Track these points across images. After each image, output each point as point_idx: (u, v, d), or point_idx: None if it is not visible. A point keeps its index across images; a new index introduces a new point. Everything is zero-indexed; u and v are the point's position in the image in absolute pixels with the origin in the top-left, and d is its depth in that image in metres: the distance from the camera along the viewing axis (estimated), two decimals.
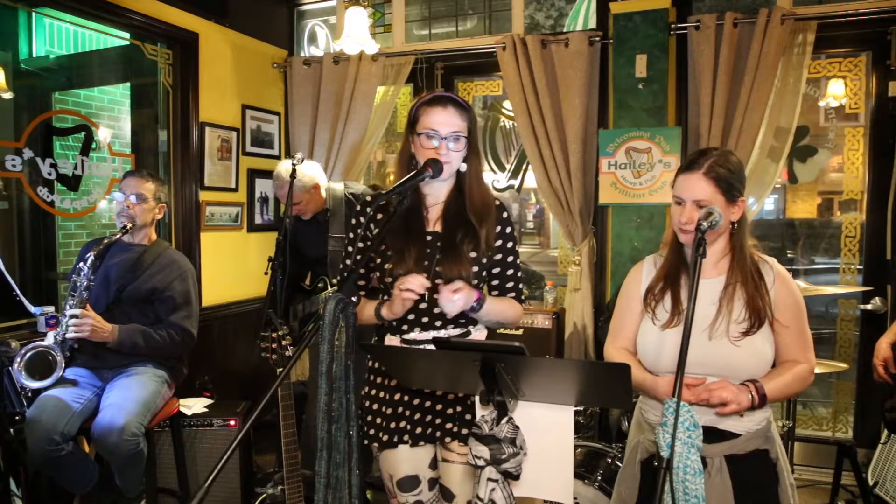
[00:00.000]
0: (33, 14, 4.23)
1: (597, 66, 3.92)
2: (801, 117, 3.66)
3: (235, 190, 4.37)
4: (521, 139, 4.19)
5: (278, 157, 4.72)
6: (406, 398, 1.90)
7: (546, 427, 1.49)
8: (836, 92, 3.90)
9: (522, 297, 2.04)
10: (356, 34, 3.75)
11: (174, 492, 3.10)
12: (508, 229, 1.97)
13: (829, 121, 3.99)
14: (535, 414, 1.48)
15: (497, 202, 1.96)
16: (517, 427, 1.44)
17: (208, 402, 3.46)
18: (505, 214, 1.97)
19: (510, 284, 2.00)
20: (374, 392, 1.97)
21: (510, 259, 1.98)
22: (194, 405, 3.34)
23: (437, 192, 1.94)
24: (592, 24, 4.34)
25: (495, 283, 2.00)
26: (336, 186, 3.57)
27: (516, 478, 1.43)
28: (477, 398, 1.49)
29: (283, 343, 2.25)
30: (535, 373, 1.41)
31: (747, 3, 3.96)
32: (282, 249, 3.05)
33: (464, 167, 1.90)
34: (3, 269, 2.20)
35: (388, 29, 4.72)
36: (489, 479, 1.41)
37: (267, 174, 4.58)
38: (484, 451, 1.41)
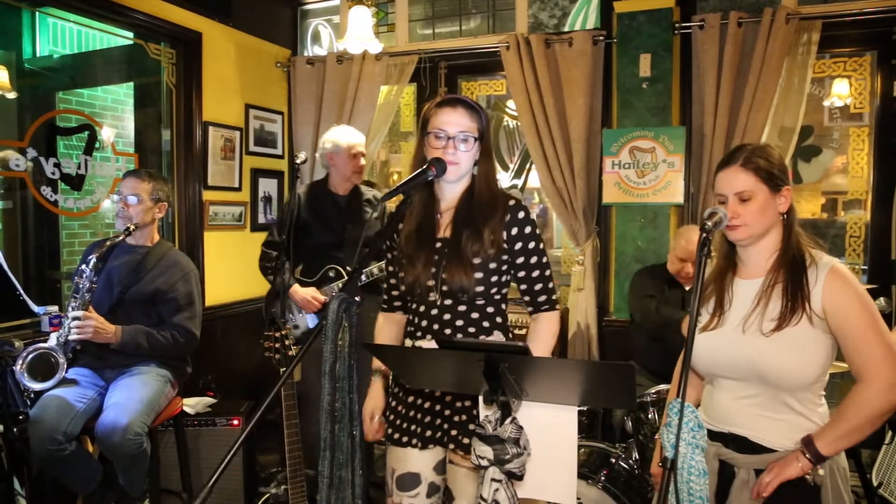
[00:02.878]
0: (37, 14, 4.25)
1: (600, 66, 3.91)
2: (805, 117, 3.64)
3: (239, 189, 4.37)
4: (524, 139, 4.18)
5: (281, 157, 4.72)
6: (419, 401, 1.89)
7: (550, 427, 1.48)
8: (841, 92, 3.89)
9: (556, 303, 1.95)
10: (360, 33, 3.75)
11: (177, 492, 3.10)
12: (528, 229, 1.87)
13: (834, 120, 3.98)
14: (538, 414, 1.48)
15: (512, 201, 1.89)
16: (521, 427, 1.43)
17: (211, 401, 3.46)
18: (521, 214, 1.87)
19: (542, 298, 1.91)
20: (395, 388, 1.97)
21: (534, 260, 1.88)
22: (197, 404, 3.34)
23: (448, 197, 1.92)
24: (593, 23, 4.33)
25: (527, 298, 1.92)
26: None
27: (520, 478, 1.42)
28: (480, 398, 1.48)
29: (287, 343, 2.25)
30: (539, 373, 1.41)
31: (751, 2, 3.94)
32: (284, 250, 2.99)
33: (475, 170, 1.89)
34: (6, 268, 2.20)
35: (392, 28, 4.72)
36: (493, 480, 1.40)
37: (270, 174, 4.59)
38: (487, 451, 1.40)
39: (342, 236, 3.37)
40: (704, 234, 1.56)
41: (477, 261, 1.83)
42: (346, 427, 1.56)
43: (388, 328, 2.06)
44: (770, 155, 1.69)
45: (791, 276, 1.65)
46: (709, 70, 3.63)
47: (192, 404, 3.29)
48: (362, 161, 3.41)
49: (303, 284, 3.35)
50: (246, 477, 3.24)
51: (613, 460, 2.59)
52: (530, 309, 1.95)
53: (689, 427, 1.39)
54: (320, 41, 5.10)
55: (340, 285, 3.31)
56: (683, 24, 3.76)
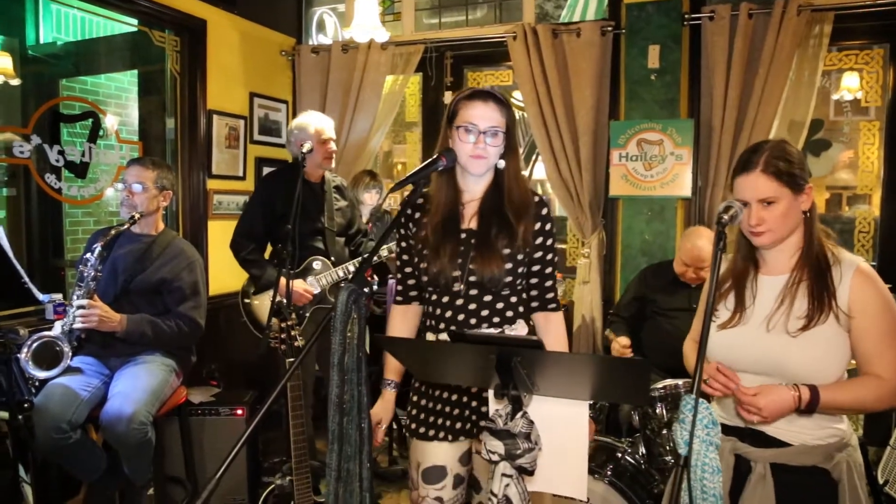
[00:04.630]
0: (40, 0, 4.21)
1: (608, 57, 3.87)
2: (814, 110, 3.61)
3: (243, 178, 4.35)
4: (530, 130, 4.16)
5: (285, 146, 4.70)
6: (445, 394, 1.89)
7: (560, 422, 1.47)
8: (851, 85, 3.85)
9: (560, 303, 1.98)
10: (366, 22, 3.72)
11: (181, 479, 3.10)
12: (548, 226, 1.90)
13: (844, 114, 3.95)
14: (549, 409, 1.46)
15: (537, 198, 1.90)
16: (532, 422, 1.42)
17: (215, 390, 3.45)
18: (545, 211, 1.90)
19: (551, 295, 1.94)
20: (416, 383, 1.96)
21: (549, 257, 1.91)
22: (200, 394, 3.33)
23: (473, 189, 1.90)
24: (594, 12, 4.29)
25: (534, 292, 1.93)
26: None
27: (531, 473, 1.41)
28: (491, 392, 1.47)
29: (292, 333, 2.23)
30: (552, 367, 1.39)
31: None
32: (291, 238, 2.95)
33: (502, 164, 1.87)
34: (11, 255, 2.18)
35: (398, 17, 4.68)
36: (504, 475, 1.39)
37: (274, 162, 4.56)
38: (498, 445, 1.39)
39: (321, 225, 3.35)
40: (720, 229, 1.54)
41: (506, 251, 1.83)
42: (354, 419, 1.54)
43: (404, 321, 2.05)
44: (790, 154, 1.66)
45: (816, 275, 1.63)
46: (718, 62, 3.59)
47: (194, 393, 3.28)
48: (332, 146, 3.36)
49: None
50: (249, 467, 3.25)
51: (620, 455, 2.58)
52: (535, 304, 1.96)
53: (703, 424, 1.37)
54: (325, 30, 5.06)
55: (331, 277, 3.30)
56: (693, 16, 3.72)
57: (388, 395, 2.00)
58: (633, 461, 2.58)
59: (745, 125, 3.55)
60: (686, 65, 3.80)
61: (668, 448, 2.58)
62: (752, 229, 1.66)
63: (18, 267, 2.20)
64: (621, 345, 3.11)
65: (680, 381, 2.64)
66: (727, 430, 1.72)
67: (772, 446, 1.65)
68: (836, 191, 4.27)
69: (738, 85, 3.55)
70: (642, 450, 2.69)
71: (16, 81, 4.13)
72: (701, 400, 1.36)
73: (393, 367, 2.01)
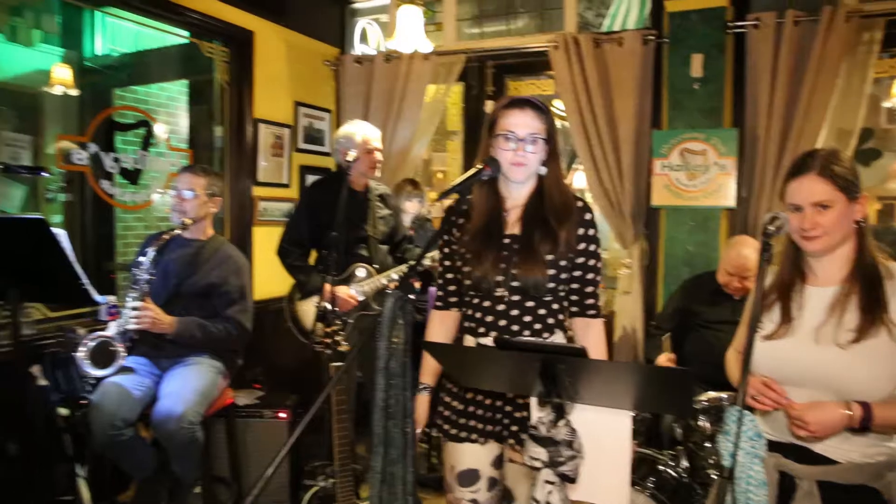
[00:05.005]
0: (98, 13, 4.38)
1: (651, 66, 3.86)
2: (864, 119, 3.53)
3: (287, 186, 4.44)
4: (571, 139, 4.16)
5: (329, 154, 4.78)
6: (479, 397, 1.91)
7: (603, 431, 1.48)
8: None
9: (601, 310, 1.98)
10: (410, 33, 3.78)
11: (226, 479, 3.18)
12: (591, 231, 1.92)
13: (895, 123, 3.86)
14: (592, 417, 1.47)
15: (580, 203, 1.92)
16: (574, 430, 1.43)
17: (258, 393, 3.53)
18: (588, 216, 1.92)
19: (591, 302, 1.94)
20: (448, 385, 1.98)
21: (592, 263, 1.92)
22: (245, 396, 3.41)
23: (515, 196, 1.93)
24: (635, 21, 4.28)
25: (575, 297, 1.94)
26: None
27: (573, 481, 1.42)
28: (534, 399, 1.48)
29: (337, 338, 2.28)
30: (595, 375, 1.40)
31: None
32: (335, 245, 3.01)
33: (543, 170, 1.89)
34: (72, 258, 2.28)
35: (440, 27, 4.73)
36: (546, 482, 1.41)
37: (318, 171, 4.65)
38: (542, 452, 1.41)
39: (365, 233, 3.40)
40: (765, 239, 1.54)
41: (549, 257, 1.85)
42: (399, 423, 1.58)
43: (443, 326, 2.07)
44: (844, 161, 1.64)
45: (868, 287, 1.61)
46: (763, 70, 3.55)
47: (239, 396, 3.36)
48: (378, 156, 3.41)
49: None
50: (292, 470, 3.30)
51: (661, 467, 2.57)
52: (574, 310, 1.96)
53: (748, 436, 1.37)
54: (368, 40, 5.15)
55: (374, 284, 3.35)
56: (737, 24, 3.68)
57: (423, 399, 2.02)
58: (675, 474, 2.57)
59: (791, 134, 3.50)
60: (730, 73, 3.76)
61: (711, 462, 2.55)
62: (804, 234, 1.64)
63: (79, 269, 2.29)
64: (666, 359, 3.09)
65: (724, 394, 2.61)
66: (771, 445, 1.69)
67: (818, 463, 1.61)
68: (888, 201, 4.17)
69: (784, 93, 3.50)
70: (685, 463, 2.67)
71: (74, 92, 4.30)
72: (745, 412, 1.36)
73: (428, 371, 2.03)
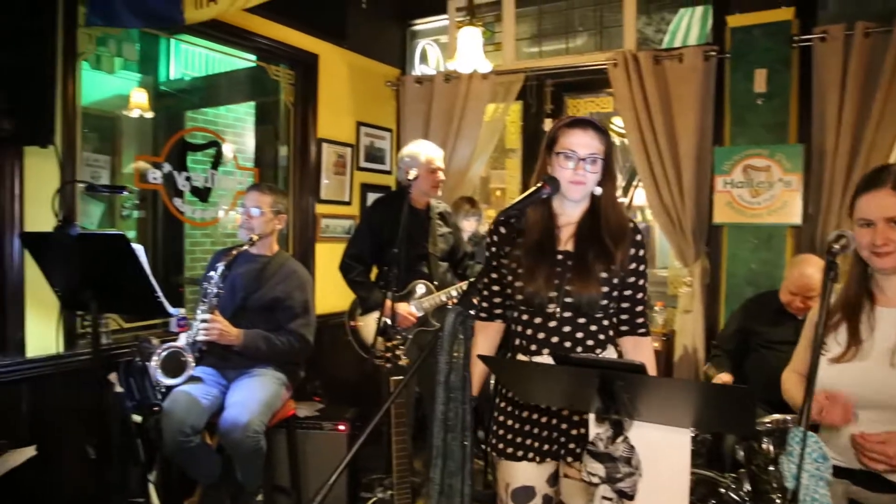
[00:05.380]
0: (172, 41, 4.62)
1: (712, 82, 3.81)
2: None
3: (349, 203, 4.55)
4: (631, 156, 4.13)
5: (389, 173, 4.88)
6: (535, 416, 1.91)
7: (662, 449, 1.47)
8: None
9: (649, 328, 2.01)
10: (469, 53, 3.84)
11: (286, 489, 3.26)
12: (641, 252, 1.95)
13: None
14: (650, 435, 1.46)
15: (632, 224, 1.95)
16: (632, 447, 1.43)
17: (318, 406, 3.61)
18: (639, 237, 1.95)
19: (641, 320, 1.98)
20: (502, 403, 1.98)
21: (641, 282, 1.96)
22: (305, 408, 3.49)
23: (569, 213, 1.95)
24: (697, 36, 4.23)
25: (625, 316, 1.97)
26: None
27: (631, 497, 1.42)
28: (592, 415, 1.49)
29: (397, 353, 2.33)
30: (654, 392, 1.40)
31: (878, 9, 3.71)
32: (396, 262, 3.07)
33: (599, 191, 1.91)
34: (149, 272, 2.40)
35: (499, 47, 4.79)
36: (604, 498, 1.41)
37: (379, 188, 4.75)
38: (599, 468, 1.41)
39: (425, 250, 3.45)
40: (831, 258, 1.51)
41: (603, 276, 1.87)
42: (458, 437, 1.61)
43: (486, 338, 2.06)
44: None
45: None
46: (831, 84, 3.46)
47: (299, 407, 3.44)
48: (441, 176, 3.47)
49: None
50: (349, 483, 3.36)
51: (723, 490, 2.51)
52: (625, 328, 1.98)
53: (813, 458, 1.33)
54: (427, 60, 5.25)
55: (434, 301, 3.39)
56: (803, 37, 3.60)
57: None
58: (737, 497, 2.50)
59: (861, 149, 3.39)
60: (795, 88, 3.68)
61: (775, 486, 2.48)
62: (875, 250, 1.60)
63: (154, 283, 2.42)
64: (722, 381, 3.02)
65: (789, 416, 2.54)
66: (838, 471, 1.64)
67: (891, 491, 1.56)
68: None
69: (854, 107, 3.40)
70: (747, 486, 2.59)
71: (150, 114, 4.53)
72: (810, 433, 1.33)
73: (474, 382, 2.01)
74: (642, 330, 1.98)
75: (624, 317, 1.96)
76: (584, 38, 4.75)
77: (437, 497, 1.64)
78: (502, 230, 2.01)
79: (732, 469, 2.84)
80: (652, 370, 1.94)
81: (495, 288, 2.03)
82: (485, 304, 2.06)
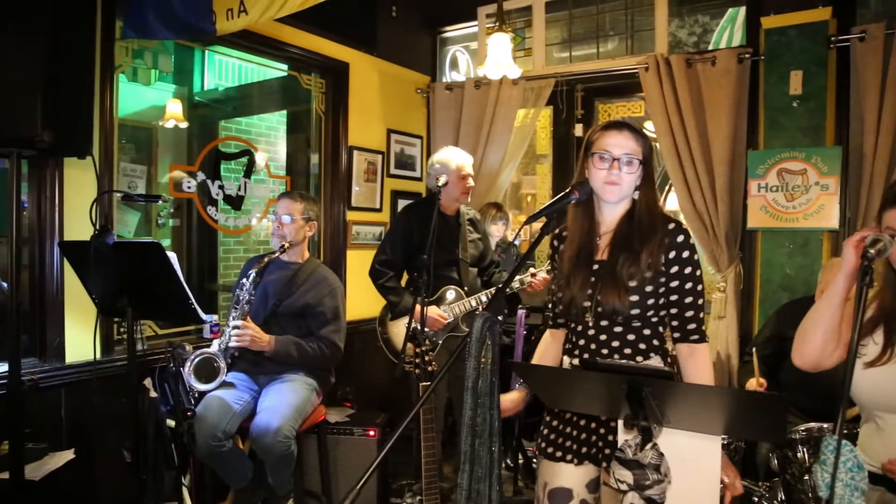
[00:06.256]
0: (206, 52, 4.72)
1: (746, 85, 3.75)
2: None
3: (379, 210, 4.58)
4: (663, 160, 4.09)
5: (419, 180, 4.91)
6: (576, 417, 1.91)
7: (692, 456, 1.45)
8: None
9: (706, 335, 1.90)
10: (499, 60, 3.84)
11: (317, 494, 3.28)
12: (686, 253, 1.84)
13: None
14: (680, 442, 1.44)
15: (672, 224, 1.87)
16: (662, 454, 1.41)
17: (349, 411, 3.64)
18: (681, 238, 1.85)
19: (692, 326, 1.86)
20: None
21: (688, 286, 1.85)
22: (336, 414, 3.52)
23: (608, 220, 1.93)
24: (739, 41, 4.17)
25: (675, 322, 1.89)
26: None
27: None
28: (621, 422, 1.47)
29: (426, 358, 2.33)
30: (683, 399, 1.38)
31: None
32: (426, 268, 3.09)
33: (636, 195, 1.89)
34: (182, 279, 2.45)
35: (529, 52, 4.78)
36: None
37: (409, 195, 4.78)
38: (627, 475, 1.39)
39: (455, 256, 3.45)
40: (866, 263, 1.47)
41: (633, 283, 1.82)
42: (485, 442, 1.61)
43: (552, 344, 2.10)
44: None
45: None
46: (870, 85, 3.38)
47: (330, 413, 3.47)
48: (471, 182, 3.48)
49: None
50: (379, 487, 3.37)
51: (756, 499, 2.45)
52: (677, 336, 1.90)
53: (847, 467, 1.30)
54: (458, 67, 5.27)
55: (464, 306, 3.40)
56: (841, 37, 3.53)
57: (517, 395, 2.07)
58: None
59: None
60: (833, 89, 3.60)
61: (810, 495, 2.42)
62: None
63: (188, 290, 2.46)
64: (755, 387, 2.96)
65: (825, 425, 2.48)
66: (875, 478, 1.60)
67: None
68: None
69: (894, 109, 3.32)
70: (781, 495, 2.53)
71: (184, 124, 4.63)
72: (845, 442, 1.30)
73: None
74: (695, 336, 1.87)
75: (674, 323, 1.89)
76: (614, 43, 4.72)
77: (464, 502, 1.64)
78: (554, 242, 2.03)
79: (766, 478, 2.78)
80: (707, 380, 1.86)
81: (554, 298, 2.05)
82: (551, 312, 2.09)
